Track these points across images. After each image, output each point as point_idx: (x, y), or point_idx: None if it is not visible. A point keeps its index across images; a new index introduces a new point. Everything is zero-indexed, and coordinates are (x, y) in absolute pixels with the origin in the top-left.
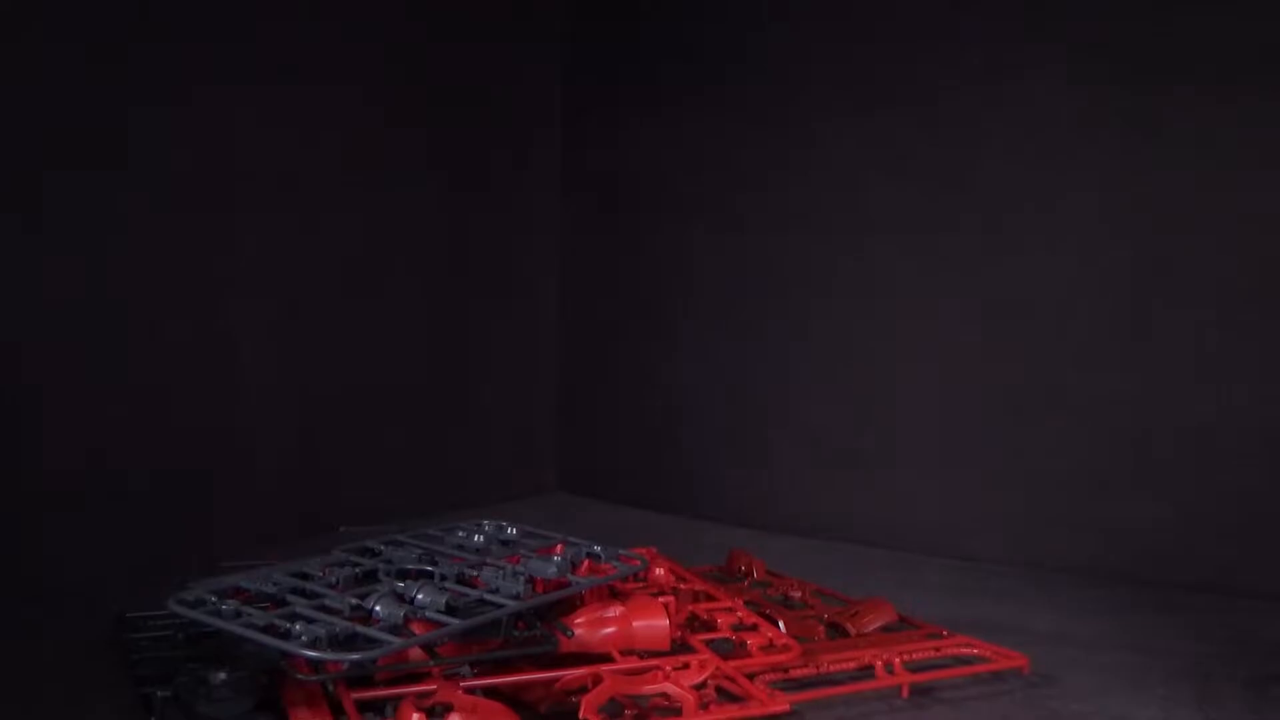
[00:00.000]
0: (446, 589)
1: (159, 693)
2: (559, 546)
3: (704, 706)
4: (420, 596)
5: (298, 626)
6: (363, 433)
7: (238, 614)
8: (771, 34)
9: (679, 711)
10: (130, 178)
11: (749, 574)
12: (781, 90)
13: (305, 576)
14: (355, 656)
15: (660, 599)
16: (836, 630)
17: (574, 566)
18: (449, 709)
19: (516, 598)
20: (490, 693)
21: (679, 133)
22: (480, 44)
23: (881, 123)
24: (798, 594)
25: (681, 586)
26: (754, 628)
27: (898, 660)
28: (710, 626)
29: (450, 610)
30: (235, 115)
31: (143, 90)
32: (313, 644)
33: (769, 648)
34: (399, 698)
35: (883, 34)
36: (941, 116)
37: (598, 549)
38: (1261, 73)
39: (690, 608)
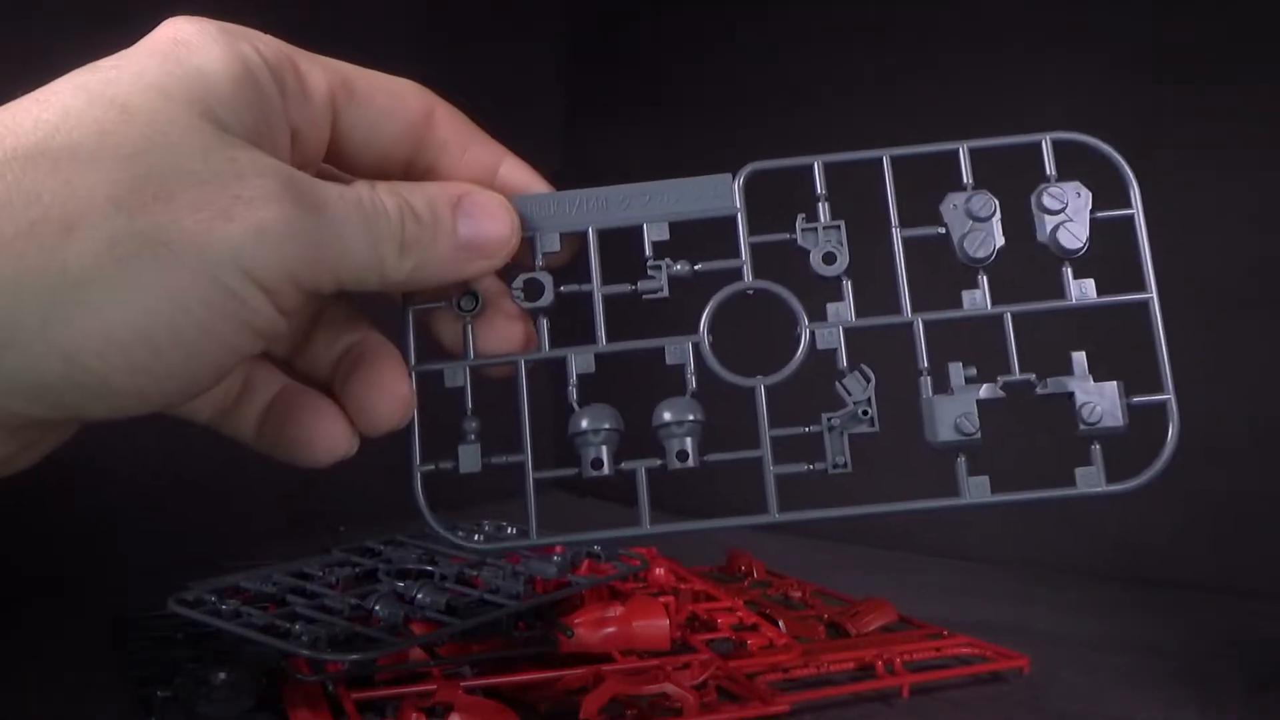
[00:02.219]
0: (446, 589)
1: (159, 693)
2: (559, 546)
3: (705, 706)
4: (420, 596)
5: (298, 626)
6: None
7: (237, 614)
8: (772, 34)
9: (679, 711)
10: None
11: (749, 574)
12: (782, 90)
13: (305, 576)
14: (355, 656)
15: (660, 599)
16: (836, 630)
17: (574, 566)
18: (449, 709)
19: (516, 598)
20: (490, 693)
21: (679, 133)
22: (480, 43)
23: (882, 122)
24: (798, 594)
25: (681, 586)
26: (754, 628)
27: (898, 660)
28: (710, 626)
29: (450, 610)
30: None
31: None
32: (313, 644)
33: (769, 648)
34: (399, 698)
35: (883, 33)
36: (943, 116)
37: (598, 549)
38: (1264, 72)
39: (690, 608)
